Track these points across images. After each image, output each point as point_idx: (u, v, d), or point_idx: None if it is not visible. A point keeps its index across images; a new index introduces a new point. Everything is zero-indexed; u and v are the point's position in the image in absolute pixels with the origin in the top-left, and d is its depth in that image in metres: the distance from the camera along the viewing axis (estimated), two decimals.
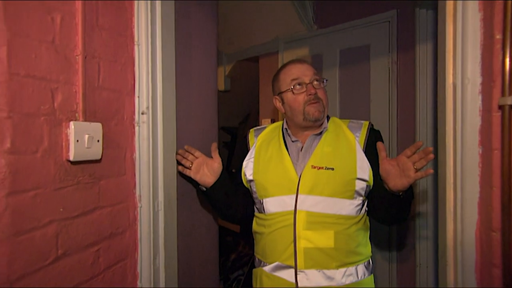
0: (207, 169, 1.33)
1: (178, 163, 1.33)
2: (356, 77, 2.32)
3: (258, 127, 1.48)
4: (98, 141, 0.97)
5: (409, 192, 1.12)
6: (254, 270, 1.37)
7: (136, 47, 1.16)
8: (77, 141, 0.90)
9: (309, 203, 1.19)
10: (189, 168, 1.33)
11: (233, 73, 3.36)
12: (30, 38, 0.80)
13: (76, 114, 0.93)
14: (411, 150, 1.05)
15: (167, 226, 1.26)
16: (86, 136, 0.93)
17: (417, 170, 1.03)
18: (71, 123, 0.89)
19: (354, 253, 1.21)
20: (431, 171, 0.98)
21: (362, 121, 1.34)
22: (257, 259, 1.35)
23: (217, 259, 1.74)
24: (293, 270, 1.19)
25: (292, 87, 1.26)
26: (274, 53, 2.84)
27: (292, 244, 1.19)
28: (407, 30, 2.10)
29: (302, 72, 1.27)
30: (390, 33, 2.15)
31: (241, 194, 1.37)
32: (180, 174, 1.36)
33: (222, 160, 1.36)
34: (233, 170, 1.44)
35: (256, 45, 2.98)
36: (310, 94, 1.23)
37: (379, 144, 1.14)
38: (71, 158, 0.89)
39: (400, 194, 1.10)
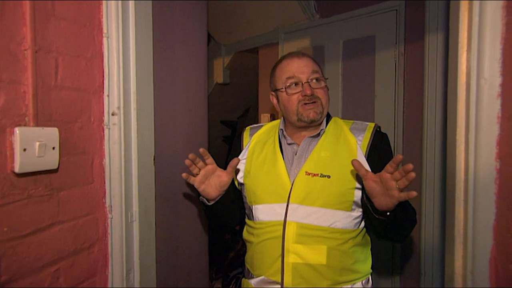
0: (214, 181, 1.15)
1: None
2: (360, 70, 2.16)
3: (255, 125, 1.34)
4: (53, 148, 0.85)
5: (398, 212, 0.96)
6: (243, 279, 1.25)
7: (105, 40, 1.03)
8: (24, 150, 0.78)
9: (301, 214, 1.06)
10: (195, 176, 1.16)
11: (232, 65, 3.21)
12: None
13: (26, 118, 0.81)
14: (392, 166, 0.89)
15: (143, 238, 1.14)
16: (37, 143, 0.80)
17: (401, 190, 0.88)
18: (16, 129, 0.77)
19: (350, 270, 1.08)
20: (414, 193, 0.84)
21: (367, 123, 1.19)
22: (246, 268, 1.23)
23: (207, 267, 1.63)
24: (279, 287, 1.08)
25: (287, 86, 1.13)
26: (275, 44, 2.68)
27: (280, 258, 1.07)
28: (416, 19, 1.92)
29: (299, 69, 1.13)
30: (398, 23, 1.98)
31: (236, 199, 1.24)
32: (187, 183, 1.22)
33: (224, 158, 1.23)
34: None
35: (256, 35, 2.82)
36: (305, 95, 1.10)
37: (353, 161, 0.96)
38: (17, 170, 0.77)
39: (388, 214, 0.96)
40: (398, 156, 0.87)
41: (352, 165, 0.96)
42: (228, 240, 3.24)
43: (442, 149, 1.83)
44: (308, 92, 1.10)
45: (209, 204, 1.19)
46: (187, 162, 1.15)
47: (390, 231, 1.03)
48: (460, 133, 0.82)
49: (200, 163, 1.16)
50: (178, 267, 1.42)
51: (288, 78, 1.14)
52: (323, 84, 1.14)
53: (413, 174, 0.84)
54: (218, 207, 1.19)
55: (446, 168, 0.93)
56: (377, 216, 0.98)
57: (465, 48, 0.80)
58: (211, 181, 1.15)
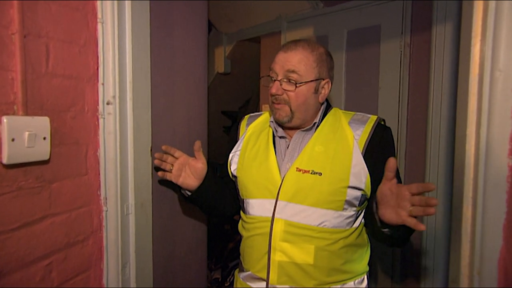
0: (190, 171, 1.16)
1: (157, 168, 1.17)
2: (365, 61, 2.11)
3: (254, 114, 1.30)
4: (44, 138, 0.81)
5: (400, 232, 0.92)
6: (235, 271, 1.25)
7: (99, 25, 0.98)
8: (13, 140, 0.74)
9: (289, 211, 1.02)
10: (170, 172, 1.16)
11: (234, 54, 3.15)
12: None
13: (15, 107, 0.77)
14: (418, 189, 0.83)
15: (139, 231, 1.12)
16: (27, 133, 0.77)
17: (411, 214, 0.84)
18: (4, 118, 0.73)
19: (339, 271, 1.05)
20: (423, 227, 0.80)
21: (369, 116, 1.11)
22: (240, 260, 1.22)
23: (205, 260, 1.61)
24: (264, 284, 1.06)
25: (268, 77, 1.09)
26: (277, 33, 2.62)
27: (267, 255, 1.05)
28: (423, 8, 1.86)
29: (278, 64, 1.05)
30: (404, 12, 1.92)
31: (229, 189, 1.22)
32: (160, 181, 1.21)
33: (208, 159, 1.20)
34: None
35: (258, 24, 2.76)
36: (271, 95, 1.06)
37: (390, 160, 0.89)
38: (5, 161, 0.73)
39: (386, 229, 0.93)
40: (430, 186, 0.81)
41: (387, 163, 0.89)
42: (228, 231, 3.23)
43: (447, 144, 1.79)
44: (273, 91, 1.04)
45: (189, 194, 1.18)
46: (156, 162, 1.16)
47: (388, 241, 1.01)
48: (470, 128, 0.78)
49: (170, 158, 1.17)
50: (176, 260, 1.40)
51: (269, 69, 1.08)
52: (293, 87, 1.03)
53: (432, 211, 0.80)
54: (199, 197, 1.18)
55: (451, 163, 0.89)
56: (380, 226, 0.95)
57: (479, 38, 0.75)
58: (187, 171, 1.16)
